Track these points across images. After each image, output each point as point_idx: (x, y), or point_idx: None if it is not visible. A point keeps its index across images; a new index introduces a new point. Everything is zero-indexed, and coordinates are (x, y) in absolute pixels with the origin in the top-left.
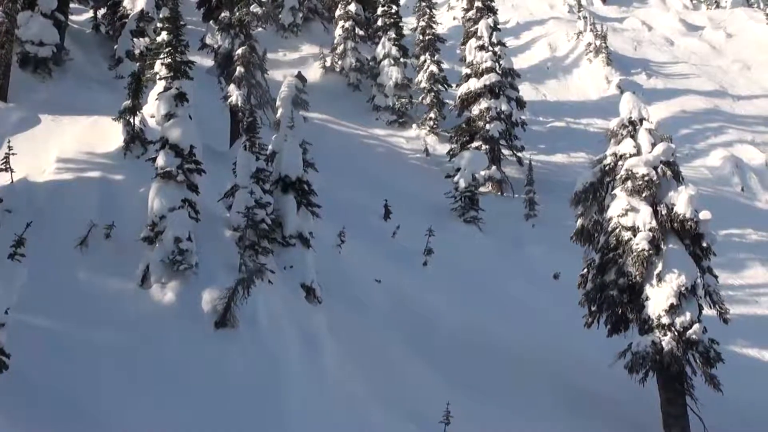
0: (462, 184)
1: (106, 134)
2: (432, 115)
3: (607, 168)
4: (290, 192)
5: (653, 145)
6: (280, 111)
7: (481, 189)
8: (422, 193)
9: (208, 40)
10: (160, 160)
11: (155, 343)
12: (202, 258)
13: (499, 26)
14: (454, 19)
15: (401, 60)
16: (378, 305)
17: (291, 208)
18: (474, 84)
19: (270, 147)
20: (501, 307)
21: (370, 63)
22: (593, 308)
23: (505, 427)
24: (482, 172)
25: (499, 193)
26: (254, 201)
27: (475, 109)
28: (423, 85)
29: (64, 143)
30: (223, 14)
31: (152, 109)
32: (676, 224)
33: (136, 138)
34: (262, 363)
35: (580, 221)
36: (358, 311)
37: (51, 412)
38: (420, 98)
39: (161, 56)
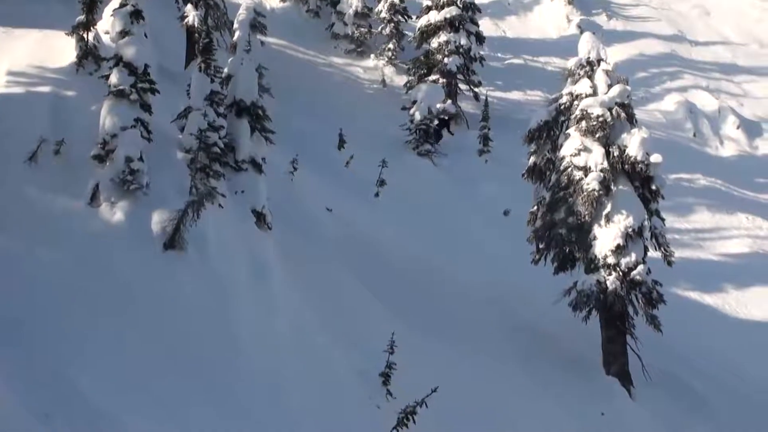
0: (417, 116)
1: (59, 49)
2: (391, 46)
3: (562, 107)
4: (244, 116)
5: (609, 86)
6: (237, 34)
7: (436, 122)
8: (377, 124)
9: None
10: (113, 78)
11: (103, 262)
12: (153, 179)
13: None
14: None
15: None
16: (328, 234)
17: (244, 132)
18: (434, 16)
19: (225, 70)
20: (450, 240)
21: None
22: (541, 246)
23: (448, 359)
24: (438, 106)
25: (455, 128)
26: (207, 124)
27: (434, 42)
28: (383, 15)
29: (14, 56)
30: None
31: (107, 25)
32: (627, 166)
33: (89, 54)
34: (210, 286)
35: (532, 159)
36: (307, 239)
37: None
38: (379, 28)
39: None
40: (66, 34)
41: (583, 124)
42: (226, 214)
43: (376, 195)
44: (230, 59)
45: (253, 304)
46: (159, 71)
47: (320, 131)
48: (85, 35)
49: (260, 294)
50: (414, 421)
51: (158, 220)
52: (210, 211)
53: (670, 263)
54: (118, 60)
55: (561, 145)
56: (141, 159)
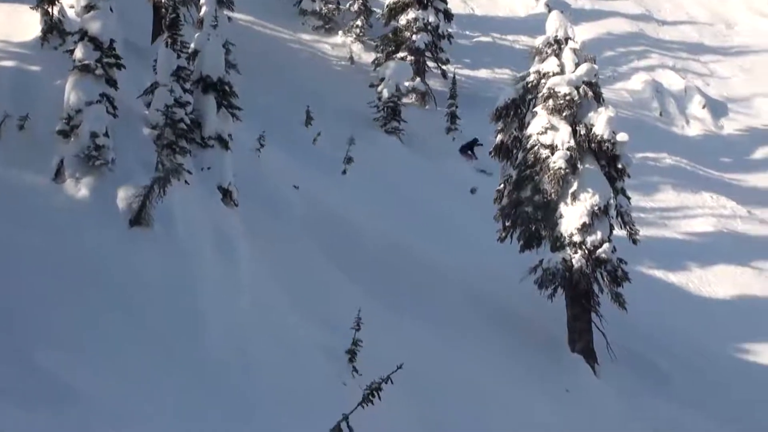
0: (385, 94)
1: (23, 23)
2: (359, 22)
3: (529, 85)
4: (211, 92)
5: (577, 65)
6: (204, 9)
7: (404, 100)
8: (345, 102)
9: None
10: (79, 53)
11: (68, 238)
12: (119, 155)
13: None
14: None
15: None
16: (296, 211)
17: (211, 108)
18: None
19: (192, 45)
20: (418, 218)
21: None
22: (507, 223)
23: (416, 335)
24: (406, 83)
25: (422, 106)
26: (174, 99)
27: (403, 19)
28: None
29: None
30: None
31: None
32: (593, 144)
33: (54, 28)
34: (176, 262)
35: (499, 137)
36: (275, 216)
37: None
38: (347, 5)
39: None
40: (31, 8)
41: (551, 102)
42: (192, 191)
43: (344, 172)
44: (197, 35)
45: (219, 281)
46: (125, 46)
47: (287, 108)
48: (50, 9)
49: (227, 271)
50: (379, 398)
51: (124, 197)
52: (176, 187)
53: (635, 241)
54: (84, 34)
55: (528, 124)
56: (106, 134)
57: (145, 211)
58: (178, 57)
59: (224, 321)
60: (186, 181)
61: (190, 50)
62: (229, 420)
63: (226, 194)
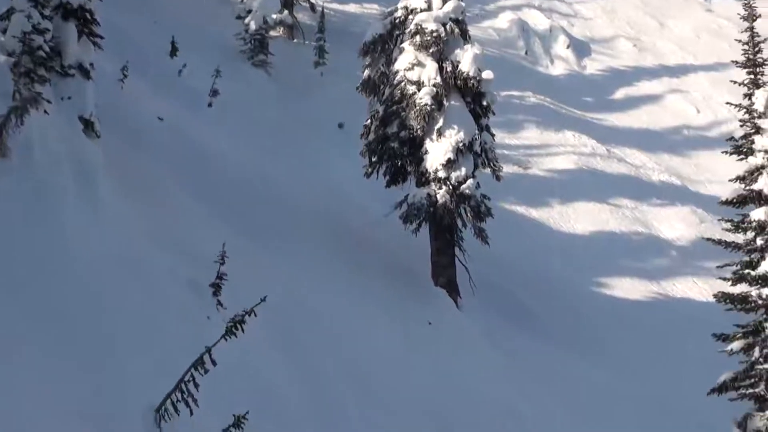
0: (252, 26)
1: None
2: None
3: (397, 21)
4: (71, 20)
5: (444, 1)
6: None
7: (272, 33)
8: (211, 33)
9: None
10: None
11: None
12: None
13: None
14: None
15: None
16: (160, 144)
17: (71, 36)
18: None
19: None
20: (285, 152)
21: None
22: (374, 159)
23: (280, 270)
24: (274, 16)
25: (290, 39)
26: (32, 26)
27: None
28: None
29: None
30: None
31: None
32: (459, 81)
33: None
34: (34, 194)
35: (367, 72)
36: (138, 149)
37: None
38: None
39: None
40: None
41: (417, 38)
42: (51, 121)
43: (210, 105)
44: None
45: (80, 213)
46: None
47: (152, 38)
48: None
49: (87, 202)
50: (242, 330)
51: None
52: (34, 117)
53: (498, 178)
54: None
55: (395, 59)
56: None
57: (1, 141)
58: None
59: (82, 255)
60: (45, 111)
61: None
62: (89, 362)
63: (87, 125)
